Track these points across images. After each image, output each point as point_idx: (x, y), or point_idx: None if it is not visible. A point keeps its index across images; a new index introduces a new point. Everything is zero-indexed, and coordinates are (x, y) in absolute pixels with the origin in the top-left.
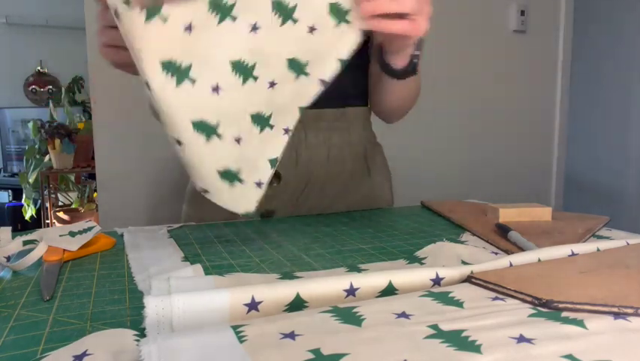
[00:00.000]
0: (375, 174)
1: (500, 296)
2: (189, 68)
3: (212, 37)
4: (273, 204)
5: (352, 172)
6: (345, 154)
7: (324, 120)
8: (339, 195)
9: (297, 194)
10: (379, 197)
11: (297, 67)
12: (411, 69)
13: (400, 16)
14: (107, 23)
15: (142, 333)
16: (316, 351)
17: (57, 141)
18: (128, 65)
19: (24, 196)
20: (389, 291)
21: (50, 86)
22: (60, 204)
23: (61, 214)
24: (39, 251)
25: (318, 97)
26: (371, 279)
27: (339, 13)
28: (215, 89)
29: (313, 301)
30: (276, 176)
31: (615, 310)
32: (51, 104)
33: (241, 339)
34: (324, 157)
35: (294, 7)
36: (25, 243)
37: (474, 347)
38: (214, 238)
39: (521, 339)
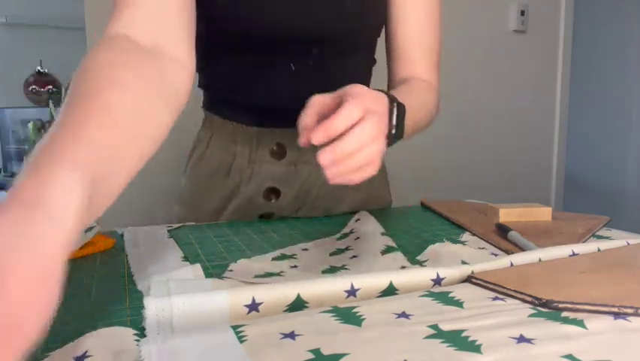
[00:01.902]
0: (375, 179)
1: (500, 296)
2: None
3: None
4: (272, 209)
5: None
6: None
7: None
8: (337, 202)
9: (297, 207)
10: (378, 198)
11: None
12: (393, 140)
13: None
14: None
15: (142, 333)
16: (316, 351)
17: None
18: None
19: None
20: (390, 291)
21: (50, 86)
22: None
23: None
24: None
25: None
26: (371, 279)
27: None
28: None
29: (314, 302)
30: (275, 192)
31: (615, 310)
32: (51, 104)
33: (241, 339)
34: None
35: None
36: None
37: (474, 347)
38: (214, 238)
39: (521, 339)
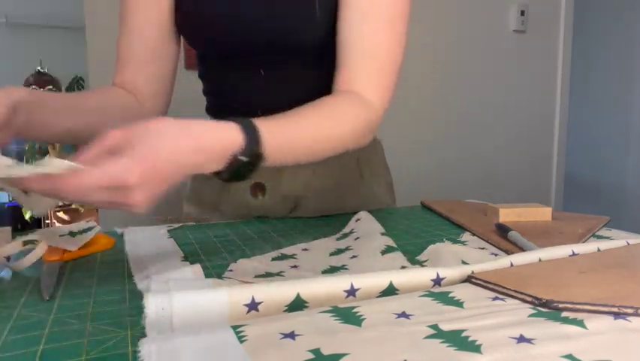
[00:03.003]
0: (371, 178)
1: (500, 296)
2: None
3: None
4: (262, 209)
5: (342, 182)
6: (333, 165)
7: None
8: (332, 206)
9: (289, 208)
10: (376, 199)
11: None
12: (233, 176)
13: None
14: None
15: (142, 333)
16: (316, 351)
17: None
18: None
19: None
20: (390, 291)
21: (50, 86)
22: (60, 204)
23: (61, 214)
24: (39, 251)
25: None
26: (371, 279)
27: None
28: None
29: (313, 302)
30: (261, 188)
31: (615, 310)
32: None
33: (241, 339)
34: (309, 172)
35: None
36: (25, 243)
37: (474, 347)
38: (214, 238)
39: (521, 339)
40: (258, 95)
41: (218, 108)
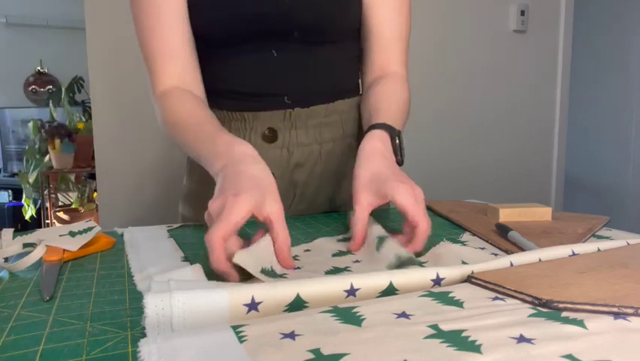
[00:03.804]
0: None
1: (500, 296)
2: None
3: None
4: None
5: (346, 166)
6: (338, 149)
7: (314, 117)
8: (334, 192)
9: (292, 193)
10: None
11: None
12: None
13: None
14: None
15: (142, 333)
16: (316, 351)
17: (57, 141)
18: None
19: (24, 196)
20: (389, 291)
21: (50, 86)
22: (60, 204)
23: (61, 214)
24: (38, 252)
25: (308, 96)
26: (371, 279)
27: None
28: None
29: (313, 302)
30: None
31: (615, 310)
32: (51, 104)
33: (241, 339)
34: (316, 155)
35: None
36: (25, 245)
37: (474, 347)
38: None
39: (521, 339)
40: (267, 76)
41: (217, 93)
